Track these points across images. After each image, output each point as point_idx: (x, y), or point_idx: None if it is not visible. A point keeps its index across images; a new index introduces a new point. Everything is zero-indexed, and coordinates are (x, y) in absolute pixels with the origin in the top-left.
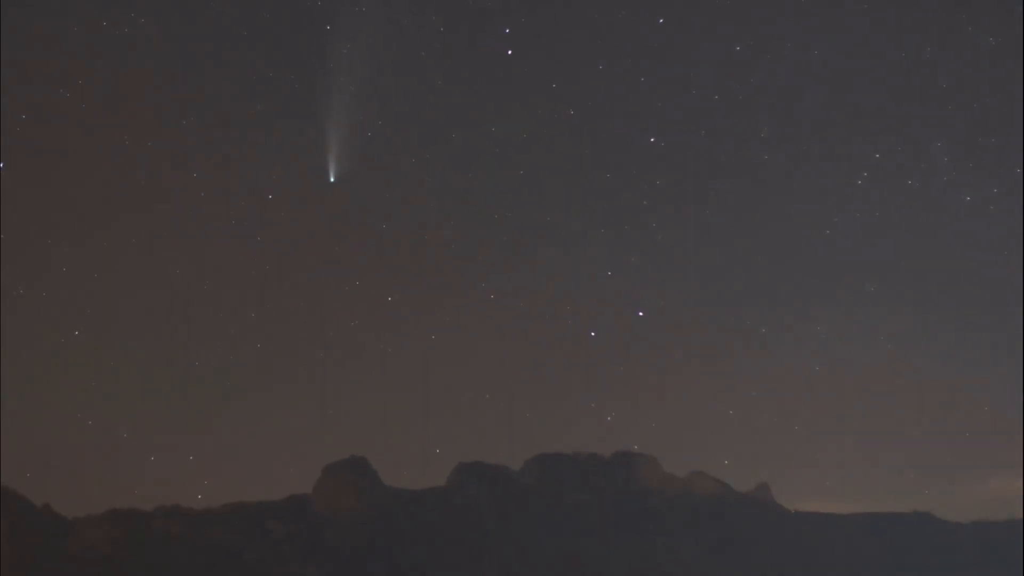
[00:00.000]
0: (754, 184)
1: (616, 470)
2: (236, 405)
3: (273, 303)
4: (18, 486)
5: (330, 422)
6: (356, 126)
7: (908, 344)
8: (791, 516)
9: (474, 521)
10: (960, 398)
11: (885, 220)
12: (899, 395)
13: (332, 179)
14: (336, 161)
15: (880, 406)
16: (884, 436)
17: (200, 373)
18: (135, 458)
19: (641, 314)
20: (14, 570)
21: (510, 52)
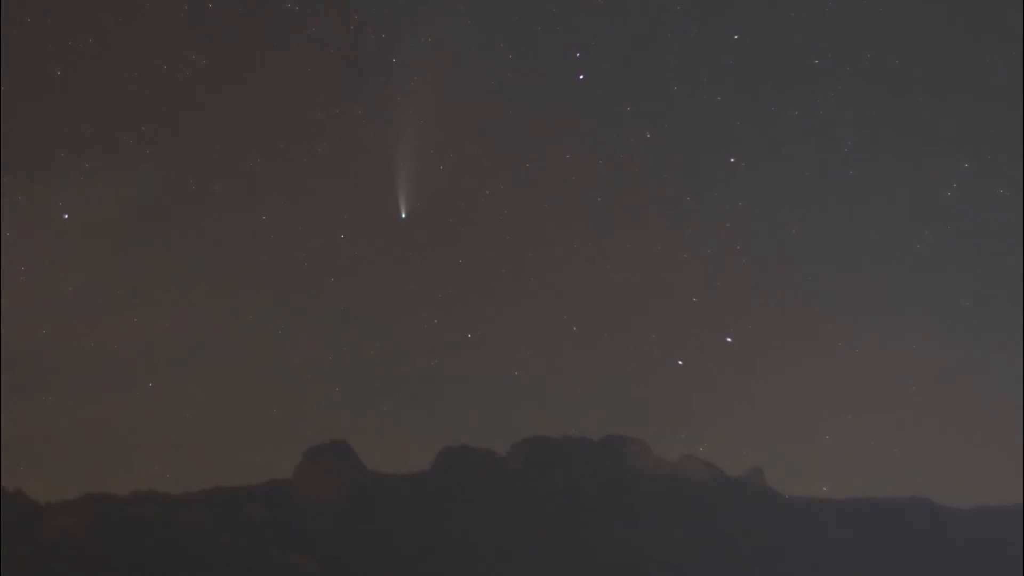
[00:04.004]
0: (841, 201)
1: (605, 454)
2: (215, 387)
3: (348, 341)
4: None
5: (311, 405)
6: (426, 160)
7: (921, 333)
8: (785, 501)
9: (459, 506)
10: (961, 381)
11: (978, 230)
12: (898, 378)
13: (403, 215)
14: (407, 196)
15: (879, 389)
16: (881, 419)
17: (187, 360)
18: (111, 441)
19: (730, 340)
20: None
21: (582, 77)
